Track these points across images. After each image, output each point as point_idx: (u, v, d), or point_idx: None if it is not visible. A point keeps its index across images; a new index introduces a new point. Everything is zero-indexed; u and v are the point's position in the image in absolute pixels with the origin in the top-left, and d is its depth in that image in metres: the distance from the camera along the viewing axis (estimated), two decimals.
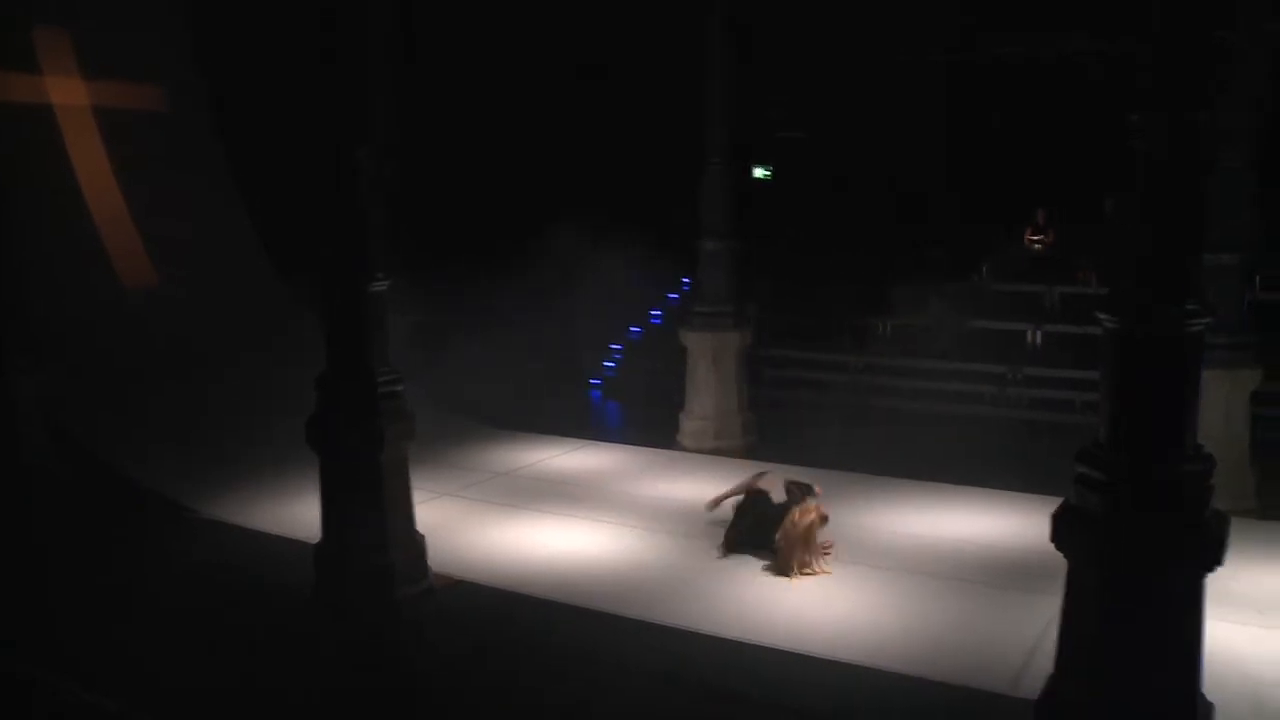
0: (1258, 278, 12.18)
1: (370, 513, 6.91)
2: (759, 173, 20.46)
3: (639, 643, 6.65)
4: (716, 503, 8.53)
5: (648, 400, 13.31)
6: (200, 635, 6.82)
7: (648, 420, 12.62)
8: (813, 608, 7.12)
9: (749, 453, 11.20)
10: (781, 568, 7.65)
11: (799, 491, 7.94)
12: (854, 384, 14.12)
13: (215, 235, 12.77)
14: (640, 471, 10.57)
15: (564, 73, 16.42)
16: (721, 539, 8.21)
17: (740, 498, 8.34)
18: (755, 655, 6.41)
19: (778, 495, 8.13)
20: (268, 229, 12.90)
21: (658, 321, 16.84)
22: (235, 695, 6.11)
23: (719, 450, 11.31)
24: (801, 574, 7.57)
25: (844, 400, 13.60)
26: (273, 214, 12.21)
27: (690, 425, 11.69)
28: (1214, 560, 4.60)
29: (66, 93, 12.00)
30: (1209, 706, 4.83)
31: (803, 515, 7.63)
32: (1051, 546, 4.90)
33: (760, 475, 8.51)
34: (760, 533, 7.91)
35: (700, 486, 9.84)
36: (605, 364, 16.16)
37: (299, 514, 8.49)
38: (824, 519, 7.68)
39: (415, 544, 7.23)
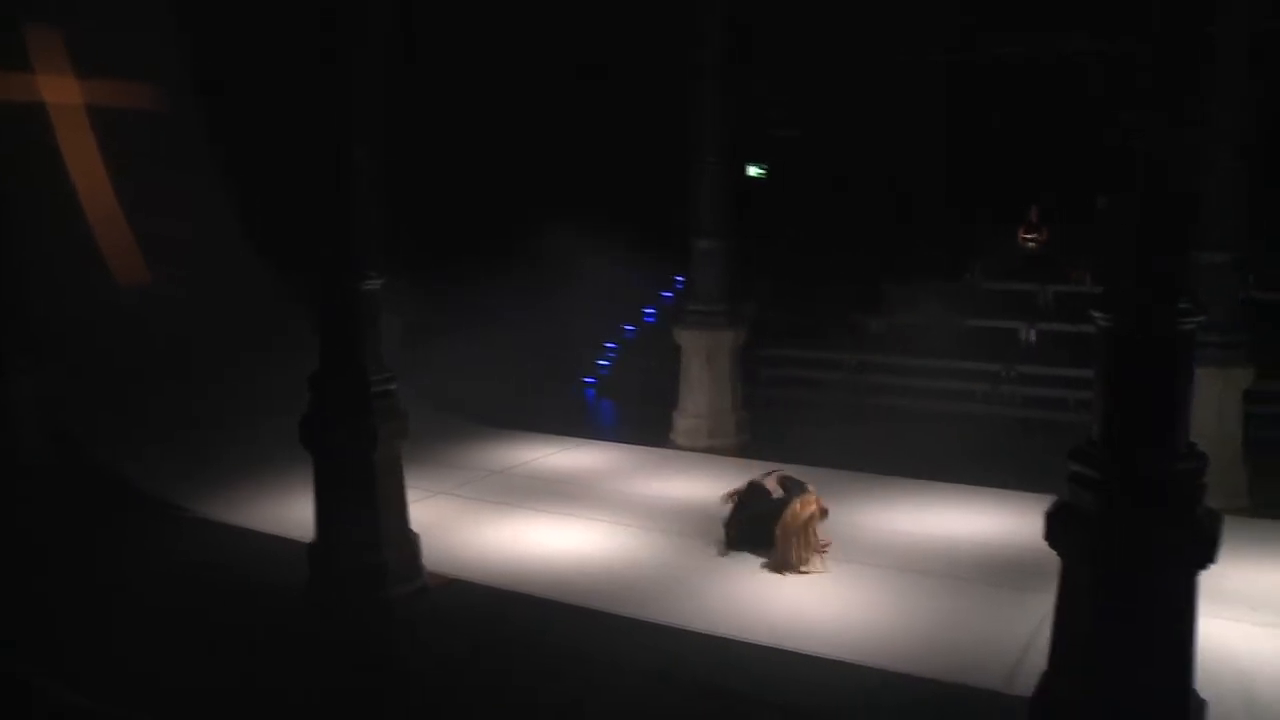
0: (1251, 276, 12.18)
1: (363, 511, 6.91)
2: (753, 171, 20.45)
3: (632, 641, 6.65)
4: (731, 496, 8.50)
5: (642, 399, 13.29)
6: (196, 635, 6.79)
7: (642, 419, 12.60)
8: (806, 605, 7.13)
9: (742, 451, 11.19)
10: (779, 562, 7.66)
11: (795, 486, 7.95)
12: (848, 382, 14.11)
13: (211, 234, 12.74)
14: (634, 470, 10.57)
15: (557, 71, 16.38)
16: (717, 538, 8.21)
17: (741, 490, 8.32)
18: (749, 653, 6.42)
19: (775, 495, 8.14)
20: (262, 228, 12.86)
21: (651, 320, 16.82)
22: (231, 695, 6.09)
23: (712, 449, 11.31)
24: (799, 571, 7.58)
25: (839, 399, 13.60)
26: (267, 213, 12.17)
27: (684, 424, 11.69)
28: (1207, 558, 4.62)
29: (61, 91, 11.98)
30: (1201, 703, 4.85)
31: (804, 506, 7.66)
32: (1045, 544, 4.92)
33: (770, 474, 8.47)
34: (758, 529, 7.91)
35: (694, 485, 9.87)
36: (599, 362, 16.14)
37: (293, 513, 8.47)
38: (824, 512, 7.73)
39: (409, 542, 7.22)
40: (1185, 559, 4.61)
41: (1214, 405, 8.61)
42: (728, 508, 8.28)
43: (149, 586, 7.60)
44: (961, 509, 9.07)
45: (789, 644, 6.49)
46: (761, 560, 7.80)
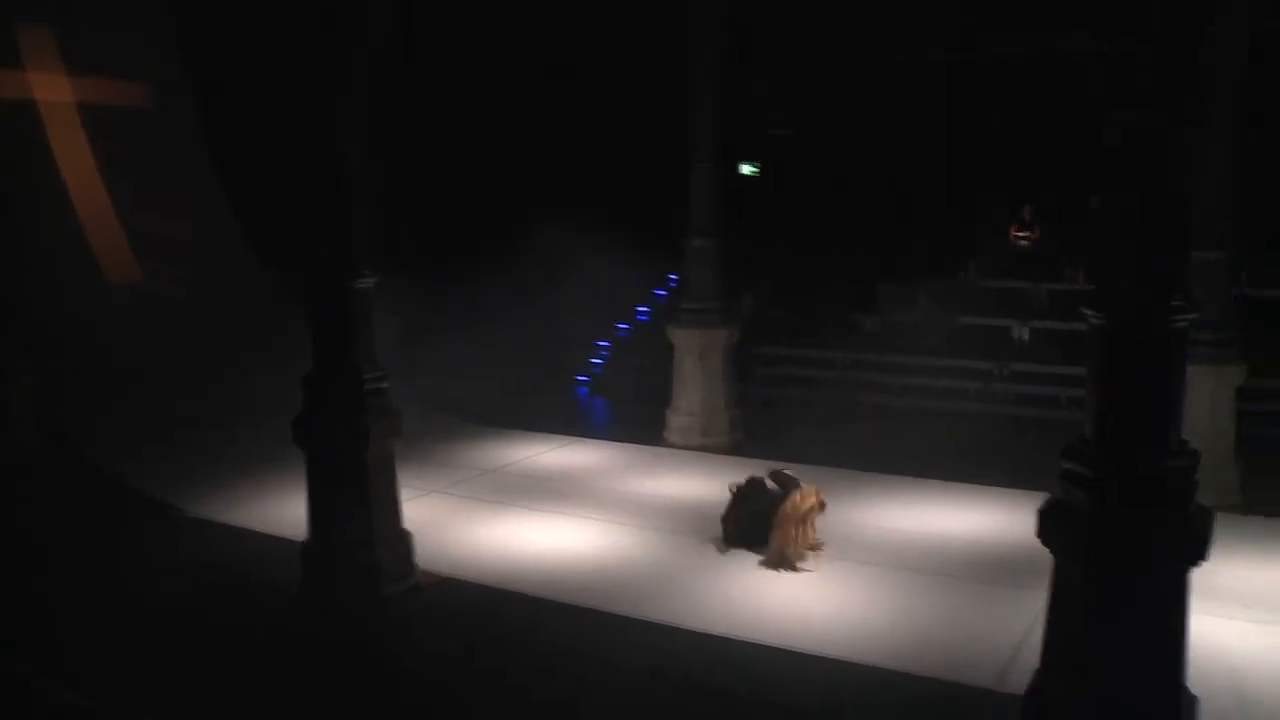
0: (1243, 274, 12.22)
1: (356, 510, 6.91)
2: (746, 169, 20.46)
3: (625, 639, 6.65)
4: (733, 488, 8.50)
5: (635, 397, 13.29)
6: (193, 634, 6.79)
7: (635, 417, 12.61)
8: (799, 603, 7.13)
9: (736, 449, 11.20)
10: (775, 554, 7.67)
11: (789, 481, 7.96)
12: (843, 381, 14.13)
13: (207, 234, 12.73)
14: (627, 468, 10.57)
15: (552, 71, 16.39)
16: (712, 535, 8.22)
17: (741, 484, 8.33)
18: (742, 651, 6.42)
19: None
20: (258, 227, 12.85)
21: (645, 318, 16.83)
22: (228, 694, 6.08)
23: (706, 447, 11.32)
24: (794, 566, 7.60)
25: (833, 397, 13.61)
26: (262, 212, 12.16)
27: (677, 422, 11.69)
28: (1199, 555, 4.63)
29: (53, 90, 11.95)
30: (1193, 700, 4.86)
31: (804, 498, 7.69)
32: (1038, 542, 4.93)
33: (775, 473, 8.47)
34: (756, 526, 7.92)
35: (687, 483, 9.88)
36: (592, 361, 16.14)
37: (290, 512, 8.46)
38: (822, 505, 7.75)
39: (402, 541, 7.22)
40: (1177, 556, 4.62)
41: (1206, 403, 8.62)
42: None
43: (147, 586, 7.58)
44: (955, 507, 9.08)
45: (783, 642, 6.49)
46: (758, 558, 7.81)
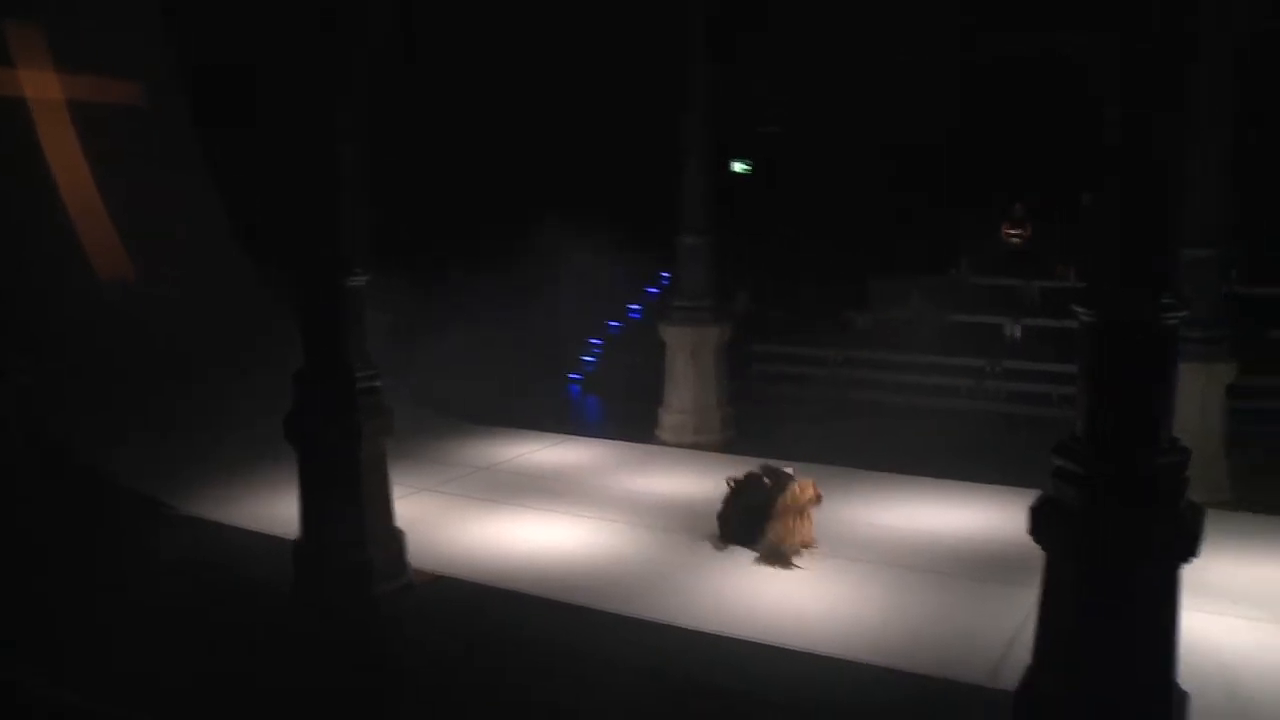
0: (1233, 271, 12.26)
1: (348, 509, 6.90)
2: (738, 167, 20.47)
3: (621, 638, 6.64)
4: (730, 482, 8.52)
5: (627, 395, 13.30)
6: (185, 634, 6.77)
7: (627, 415, 12.61)
8: (792, 601, 7.14)
9: (728, 447, 11.21)
10: (770, 546, 7.69)
11: (784, 475, 7.98)
12: (834, 378, 14.16)
13: (197, 232, 12.70)
14: (619, 466, 10.57)
15: (543, 69, 16.38)
16: (707, 531, 8.24)
17: (738, 479, 8.33)
18: (739, 649, 6.42)
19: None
20: (250, 225, 12.83)
21: (637, 316, 16.84)
22: (223, 694, 6.07)
23: (698, 445, 11.33)
24: (788, 560, 7.63)
25: (825, 394, 13.64)
26: (254, 210, 12.15)
27: (669, 420, 11.70)
28: (1189, 552, 4.64)
29: (43, 87, 11.91)
30: (1184, 695, 4.88)
31: (803, 489, 7.73)
32: (1029, 538, 4.94)
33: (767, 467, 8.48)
34: (752, 520, 7.93)
35: (679, 481, 9.88)
36: (585, 359, 16.15)
37: (279, 511, 8.45)
38: (819, 498, 7.79)
39: (394, 540, 7.22)
40: (1168, 553, 4.64)
41: (1197, 400, 8.64)
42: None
43: (140, 585, 7.55)
44: (947, 504, 9.10)
45: (777, 640, 6.50)
46: (753, 555, 7.82)
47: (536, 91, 16.41)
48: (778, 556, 7.66)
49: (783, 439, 11.03)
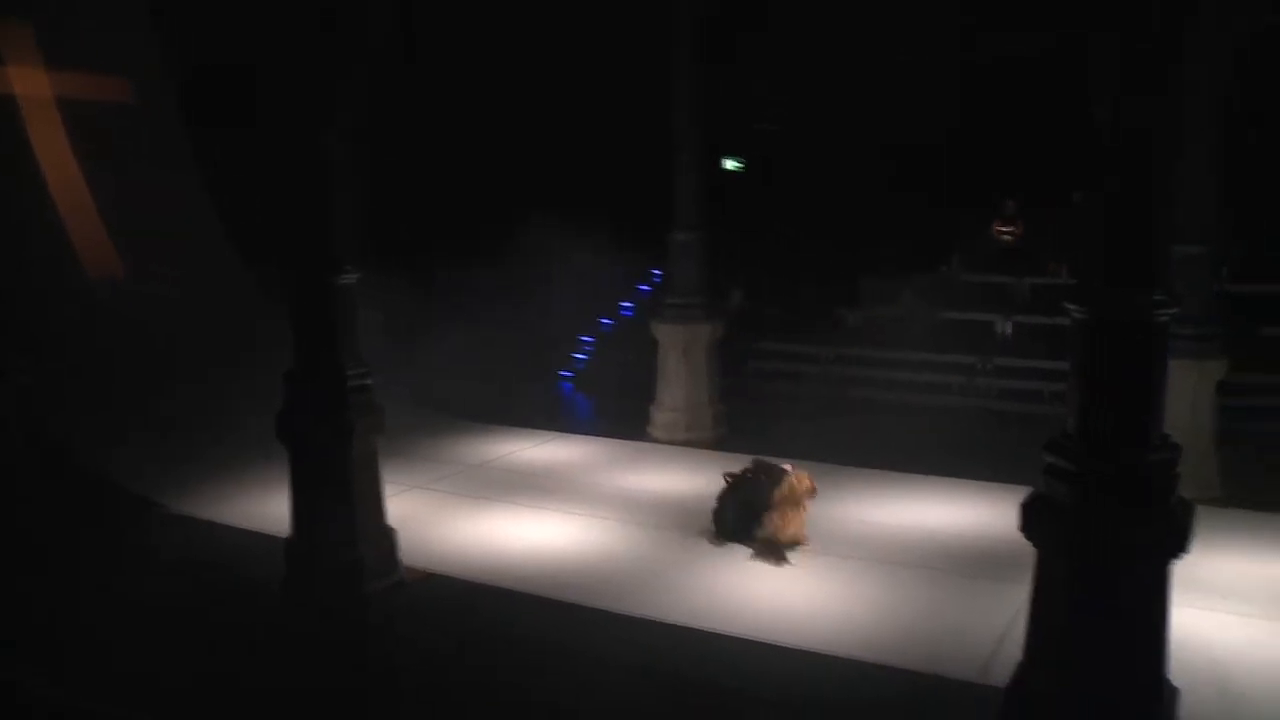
0: (1224, 269, 12.28)
1: (339, 507, 6.89)
2: (730, 164, 20.47)
3: (613, 635, 6.64)
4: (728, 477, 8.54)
5: (619, 392, 13.29)
6: (179, 633, 6.76)
7: (619, 412, 12.61)
8: (784, 597, 7.14)
9: (720, 444, 11.20)
10: (768, 536, 7.74)
11: (777, 469, 8.00)
12: (826, 375, 14.17)
13: (190, 230, 12.68)
14: (611, 463, 10.57)
15: (536, 67, 16.37)
16: (701, 528, 8.25)
17: (735, 473, 8.34)
18: (730, 646, 6.42)
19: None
20: (243, 223, 12.81)
21: (628, 313, 16.83)
22: (215, 693, 6.06)
23: (690, 442, 11.31)
24: (783, 552, 7.68)
25: (817, 392, 13.65)
26: (247, 207, 12.12)
27: (661, 417, 11.69)
28: (1180, 548, 4.65)
29: (33, 85, 11.89)
30: (1174, 691, 4.89)
31: (799, 481, 7.80)
32: (1020, 535, 4.95)
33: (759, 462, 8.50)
34: (748, 515, 7.95)
35: (671, 478, 9.89)
36: (576, 356, 16.14)
37: (271, 509, 8.43)
38: (814, 490, 7.86)
39: (386, 537, 7.21)
40: (1159, 549, 4.65)
41: (1188, 397, 8.65)
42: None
43: (132, 584, 7.53)
44: (938, 501, 9.11)
45: (769, 636, 6.51)
46: (746, 551, 7.83)
47: (529, 90, 16.39)
48: (773, 549, 7.68)
49: (775, 436, 11.01)
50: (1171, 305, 4.64)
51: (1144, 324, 4.58)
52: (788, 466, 8.09)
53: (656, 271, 15.41)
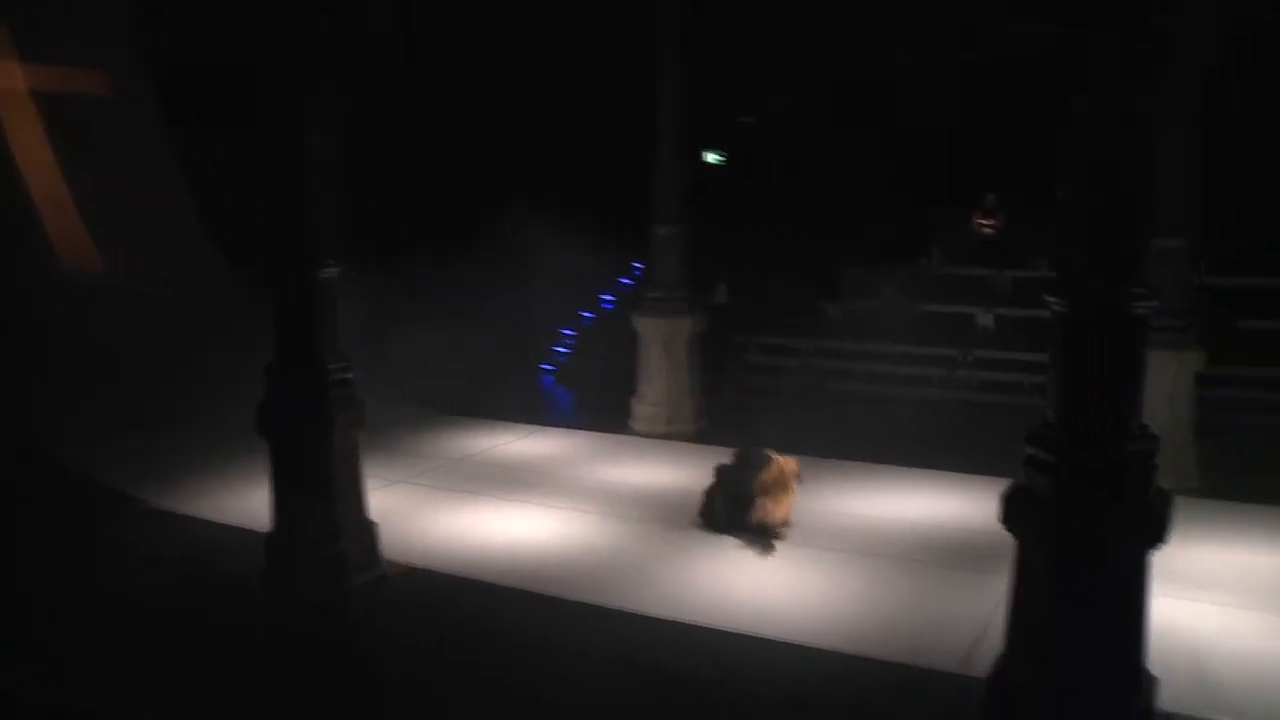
0: (1202, 262, 12.34)
1: (320, 501, 6.87)
2: (711, 158, 20.46)
3: (594, 628, 6.65)
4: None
5: (601, 386, 13.28)
6: (160, 629, 6.71)
7: (600, 405, 12.61)
8: (765, 590, 7.16)
9: (701, 437, 11.22)
10: (758, 520, 7.82)
11: (765, 454, 8.05)
12: (807, 368, 14.18)
13: (169, 224, 12.62)
14: (593, 457, 10.58)
15: (518, 61, 16.32)
16: (678, 523, 8.26)
17: (725, 464, 8.36)
18: (711, 639, 6.44)
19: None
20: (219, 216, 12.75)
21: (610, 307, 16.81)
22: (200, 691, 6.03)
23: (671, 435, 11.33)
24: (775, 532, 7.79)
25: (797, 384, 13.66)
26: (226, 201, 12.06)
27: (642, 410, 11.70)
28: (1158, 538, 4.69)
29: (7, 78, 11.81)
30: (1153, 680, 4.93)
31: (786, 462, 7.93)
32: (1000, 527, 4.97)
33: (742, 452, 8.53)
34: (736, 507, 7.98)
35: (652, 471, 9.90)
36: (558, 350, 16.11)
37: (251, 504, 8.39)
38: (799, 474, 8.00)
39: (367, 531, 7.20)
40: (1138, 539, 4.68)
41: (1166, 389, 8.71)
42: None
43: (111, 579, 7.49)
44: (919, 492, 9.15)
45: (750, 629, 6.52)
46: (728, 544, 7.85)
47: (509, 84, 16.35)
48: (764, 532, 7.72)
49: (756, 429, 11.01)
50: (1150, 297, 4.66)
51: (1123, 316, 4.61)
52: (770, 451, 8.13)
53: (638, 265, 15.38)
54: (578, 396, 14.58)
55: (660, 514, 8.56)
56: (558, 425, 11.98)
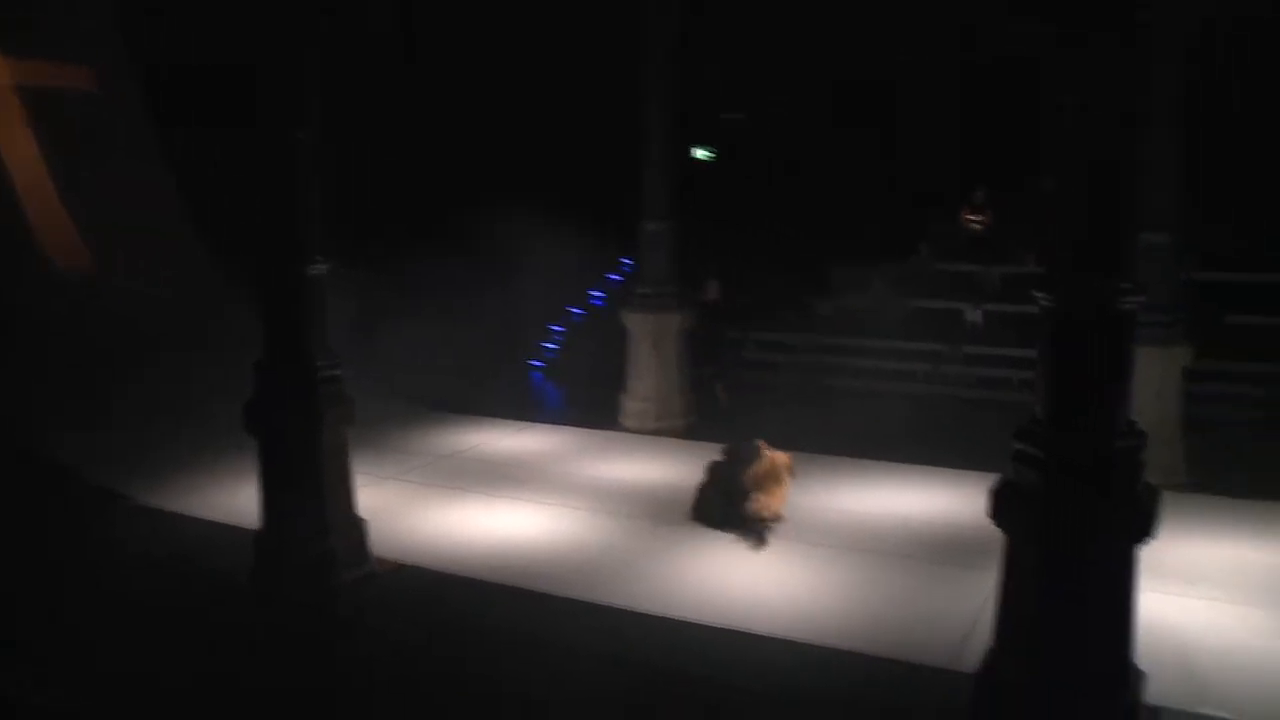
0: (1188, 257, 12.36)
1: (309, 498, 6.86)
2: (701, 154, 20.44)
3: (583, 624, 6.65)
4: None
5: (590, 382, 13.27)
6: (151, 627, 6.71)
7: (590, 402, 12.59)
8: (754, 585, 7.17)
9: (690, 433, 11.22)
10: (754, 510, 7.84)
11: (755, 447, 8.08)
12: (797, 364, 14.18)
13: (158, 223, 12.59)
14: (582, 453, 10.57)
15: (508, 58, 16.28)
16: (667, 519, 8.27)
17: (717, 460, 8.37)
18: (700, 635, 6.45)
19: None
20: (208, 214, 12.70)
21: (599, 303, 16.79)
22: (186, 688, 6.02)
23: (660, 431, 11.33)
24: (767, 524, 7.81)
25: (787, 380, 13.67)
26: (216, 199, 12.02)
27: (632, 406, 11.69)
28: (1146, 533, 4.70)
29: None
30: (1140, 675, 4.94)
31: (777, 456, 8.01)
32: (989, 522, 4.98)
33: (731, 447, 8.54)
34: (729, 503, 8.00)
35: (642, 467, 9.90)
36: (547, 346, 16.09)
37: (240, 501, 8.36)
38: (791, 466, 8.08)
39: (356, 528, 7.18)
40: (1126, 534, 4.69)
41: (1154, 384, 8.72)
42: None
43: (98, 576, 7.48)
44: (908, 488, 9.16)
45: (740, 624, 6.53)
46: (717, 540, 7.85)
47: (499, 81, 16.31)
48: (758, 524, 7.73)
49: (745, 425, 11.00)
50: (1137, 293, 4.67)
51: (1110, 312, 4.61)
52: (761, 444, 8.14)
53: (627, 261, 15.36)
54: (567, 392, 14.56)
55: (650, 510, 8.56)
56: (547, 421, 11.97)
